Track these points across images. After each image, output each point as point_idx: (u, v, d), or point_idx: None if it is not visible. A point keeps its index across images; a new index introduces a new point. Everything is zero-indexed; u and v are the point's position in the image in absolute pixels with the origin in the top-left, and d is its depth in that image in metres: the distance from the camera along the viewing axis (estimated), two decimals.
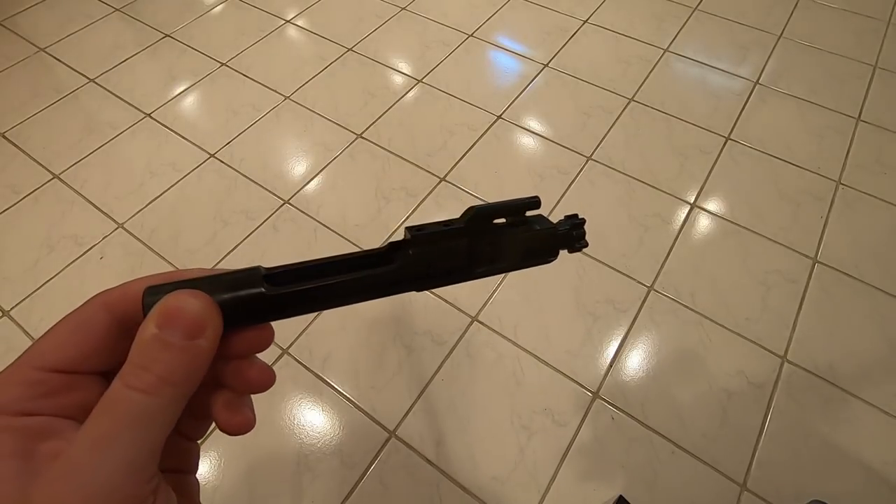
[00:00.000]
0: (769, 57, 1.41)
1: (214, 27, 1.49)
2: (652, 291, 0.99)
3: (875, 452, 0.83)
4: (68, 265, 1.02)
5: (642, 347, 0.93)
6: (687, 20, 1.51)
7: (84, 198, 1.12)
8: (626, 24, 1.50)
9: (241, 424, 0.19)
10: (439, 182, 1.15)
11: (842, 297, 0.99)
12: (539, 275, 1.00)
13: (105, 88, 1.33)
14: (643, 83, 1.35)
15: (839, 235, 1.07)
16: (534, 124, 1.26)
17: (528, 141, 1.23)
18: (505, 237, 0.22)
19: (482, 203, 0.22)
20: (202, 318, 0.17)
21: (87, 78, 1.35)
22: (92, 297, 0.18)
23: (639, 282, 1.00)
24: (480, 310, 0.97)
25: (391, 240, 1.08)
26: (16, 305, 0.97)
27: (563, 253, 0.23)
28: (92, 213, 1.10)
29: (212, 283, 0.18)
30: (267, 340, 0.20)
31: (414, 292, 0.21)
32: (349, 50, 1.43)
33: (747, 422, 0.85)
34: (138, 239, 1.06)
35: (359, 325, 0.95)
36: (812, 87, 1.34)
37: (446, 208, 1.11)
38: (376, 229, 1.08)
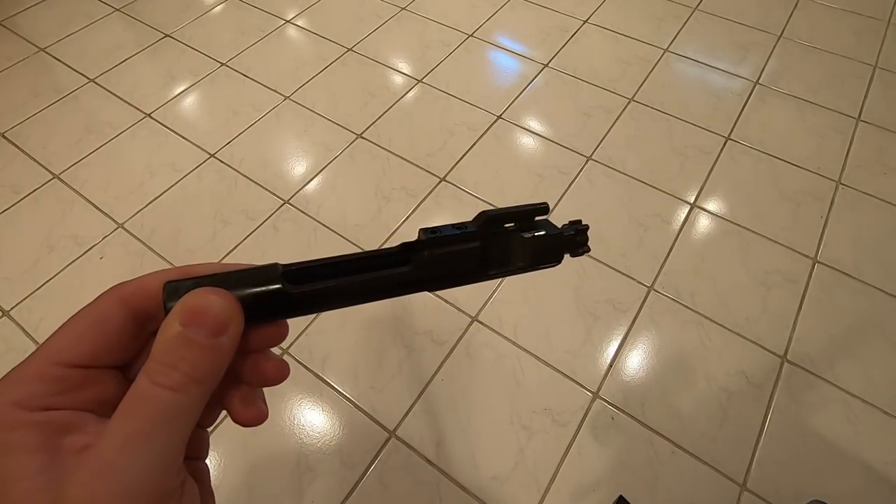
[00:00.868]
0: (769, 57, 1.41)
1: (214, 27, 1.49)
2: (652, 291, 0.99)
3: (875, 452, 0.83)
4: (68, 265, 1.02)
5: (642, 347, 0.93)
6: (687, 20, 1.51)
7: (84, 198, 1.12)
8: (626, 24, 1.50)
9: (255, 417, 0.20)
10: (439, 182, 1.15)
11: (842, 297, 0.99)
12: (539, 275, 1.00)
13: (105, 88, 1.33)
14: (643, 83, 1.35)
15: (839, 235, 1.07)
16: (534, 124, 1.26)
17: (528, 141, 1.23)
18: (514, 241, 0.23)
19: (493, 208, 0.22)
20: (226, 317, 0.17)
21: (87, 78, 1.35)
22: (107, 291, 0.18)
23: (639, 282, 1.00)
24: (480, 310, 0.97)
25: (391, 239, 1.08)
26: (16, 305, 0.97)
27: (566, 256, 0.24)
28: (92, 213, 1.10)
29: (232, 279, 0.18)
30: (282, 335, 0.20)
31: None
32: (349, 50, 1.43)
33: (747, 422, 0.85)
34: (138, 239, 1.06)
35: (359, 325, 0.95)
36: (812, 87, 1.34)
37: (446, 208, 1.11)
38: (376, 229, 1.08)
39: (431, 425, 0.85)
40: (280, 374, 0.20)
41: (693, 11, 1.54)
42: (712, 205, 1.12)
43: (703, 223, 1.09)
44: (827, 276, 1.01)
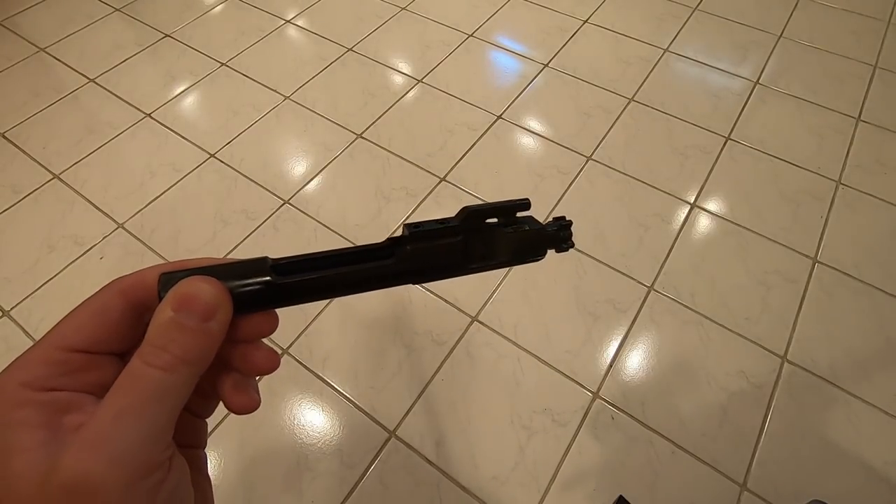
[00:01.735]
0: (769, 57, 1.41)
1: (214, 27, 1.49)
2: (652, 291, 0.99)
3: (875, 452, 0.83)
4: (68, 265, 1.02)
5: (642, 347, 0.93)
6: (687, 20, 1.51)
7: (84, 198, 1.12)
8: (626, 24, 1.50)
9: (246, 404, 0.20)
10: (439, 182, 1.15)
11: (842, 297, 0.99)
12: (539, 275, 1.00)
13: (105, 88, 1.33)
14: (643, 83, 1.35)
15: (839, 235, 1.07)
16: (534, 124, 1.26)
17: (528, 141, 1.23)
18: (497, 236, 0.23)
19: (476, 203, 0.23)
20: (215, 303, 0.18)
21: (87, 78, 1.35)
22: (108, 284, 0.20)
23: (639, 282, 1.00)
24: (480, 310, 0.97)
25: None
26: (16, 305, 0.97)
27: (564, 253, 0.25)
28: (92, 213, 1.10)
29: (223, 270, 0.19)
30: (272, 326, 0.21)
31: (414, 291, 0.22)
32: (349, 50, 1.43)
33: (747, 422, 0.85)
34: (138, 239, 1.06)
35: (359, 325, 0.95)
36: (812, 87, 1.34)
37: (446, 208, 1.11)
38: (376, 229, 1.08)
39: (431, 425, 0.85)
40: (270, 363, 0.21)
41: (693, 11, 1.54)
42: (712, 205, 1.12)
43: (703, 223, 1.09)
44: (827, 276, 1.01)
